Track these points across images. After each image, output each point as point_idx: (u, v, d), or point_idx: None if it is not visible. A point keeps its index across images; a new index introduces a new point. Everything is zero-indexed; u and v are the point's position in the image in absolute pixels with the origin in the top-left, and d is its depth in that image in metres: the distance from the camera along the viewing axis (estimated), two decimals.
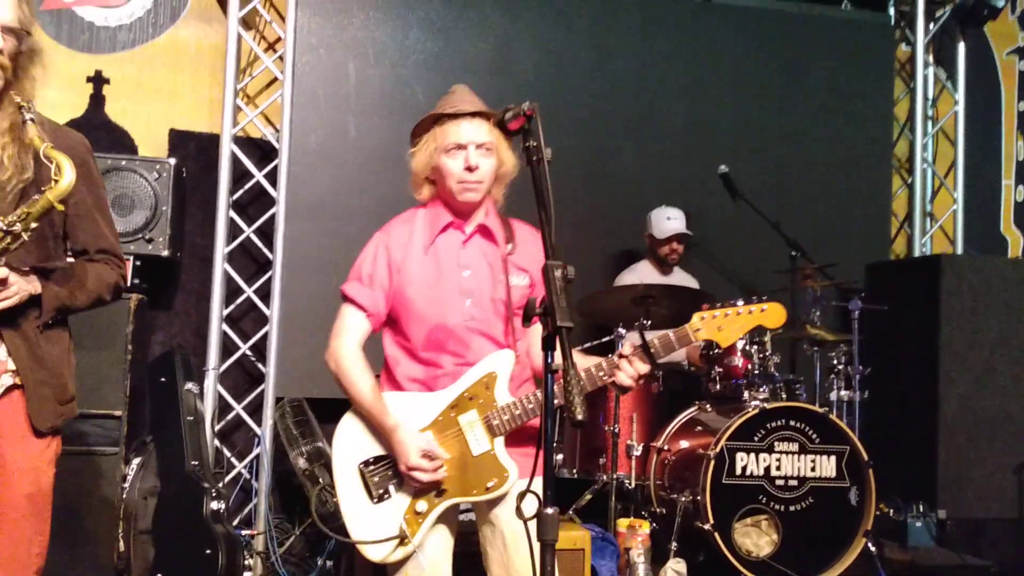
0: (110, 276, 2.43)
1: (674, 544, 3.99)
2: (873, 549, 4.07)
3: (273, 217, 4.92)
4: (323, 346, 4.84)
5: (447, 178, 2.56)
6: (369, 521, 2.53)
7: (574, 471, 4.45)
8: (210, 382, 4.76)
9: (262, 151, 5.10)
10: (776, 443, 4.03)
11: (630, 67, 5.49)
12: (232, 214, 4.93)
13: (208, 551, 3.83)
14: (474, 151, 2.53)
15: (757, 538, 3.96)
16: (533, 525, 1.88)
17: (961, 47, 6.15)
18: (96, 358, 3.87)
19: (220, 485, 4.26)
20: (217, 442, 4.78)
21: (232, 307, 4.93)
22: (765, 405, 4.05)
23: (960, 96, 6.15)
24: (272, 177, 4.96)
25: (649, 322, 4.45)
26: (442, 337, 2.56)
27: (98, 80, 5.00)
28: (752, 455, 4.00)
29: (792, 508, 4.00)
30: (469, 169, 2.52)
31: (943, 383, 4.77)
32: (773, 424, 4.04)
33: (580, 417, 1.77)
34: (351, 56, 5.10)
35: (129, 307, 3.95)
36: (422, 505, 2.53)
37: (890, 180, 5.98)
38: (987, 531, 4.90)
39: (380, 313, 2.62)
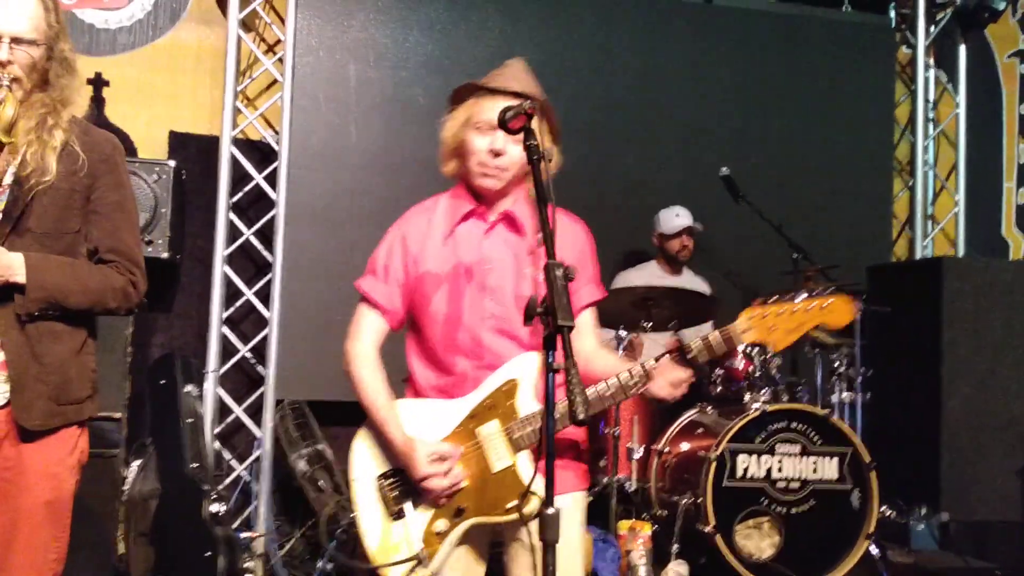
0: (116, 280, 2.30)
1: (675, 546, 3.97)
2: (876, 552, 4.05)
3: (273, 219, 4.91)
4: (323, 348, 4.86)
5: (469, 156, 2.33)
6: (386, 539, 2.31)
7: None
8: (210, 384, 4.75)
9: (262, 153, 5.09)
10: (778, 445, 4.02)
11: (632, 70, 5.49)
12: (232, 216, 4.92)
13: (208, 553, 3.82)
14: (503, 136, 2.27)
15: (759, 541, 3.95)
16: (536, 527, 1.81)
17: (962, 50, 6.15)
18: (96, 360, 3.85)
19: (220, 487, 4.26)
20: (217, 444, 4.77)
21: (232, 309, 4.92)
22: (767, 407, 4.03)
23: (961, 99, 6.14)
24: (272, 179, 4.96)
25: (650, 324, 4.44)
26: (460, 338, 2.32)
27: (98, 82, 5.00)
28: (754, 457, 3.99)
29: (794, 511, 3.99)
30: (494, 153, 2.28)
31: (945, 385, 4.76)
32: (775, 426, 4.02)
33: (582, 416, 1.72)
34: (351, 58, 5.10)
35: None
36: (441, 524, 2.28)
37: (891, 182, 5.98)
38: (991, 534, 4.89)
39: (397, 310, 2.40)
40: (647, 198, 5.27)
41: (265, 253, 4.96)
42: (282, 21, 5.05)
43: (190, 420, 4.23)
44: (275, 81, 5.10)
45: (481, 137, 2.30)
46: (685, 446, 4.27)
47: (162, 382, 4.28)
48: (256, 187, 4.99)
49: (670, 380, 2.25)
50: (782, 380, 4.39)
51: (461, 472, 2.27)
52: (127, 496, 3.90)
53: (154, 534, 3.90)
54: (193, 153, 5.06)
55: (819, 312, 2.26)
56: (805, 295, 2.26)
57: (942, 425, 4.74)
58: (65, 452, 2.29)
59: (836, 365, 4.71)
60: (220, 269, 4.83)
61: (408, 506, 2.31)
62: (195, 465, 4.09)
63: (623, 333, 4.47)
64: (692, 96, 5.56)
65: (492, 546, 2.39)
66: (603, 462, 4.34)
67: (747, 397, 4.25)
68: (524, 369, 2.28)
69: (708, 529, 3.85)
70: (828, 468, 4.02)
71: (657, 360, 2.26)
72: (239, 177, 4.97)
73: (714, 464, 3.90)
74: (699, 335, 2.29)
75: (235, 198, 4.96)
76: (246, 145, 5.07)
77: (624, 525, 4.01)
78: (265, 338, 4.87)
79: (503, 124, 2.09)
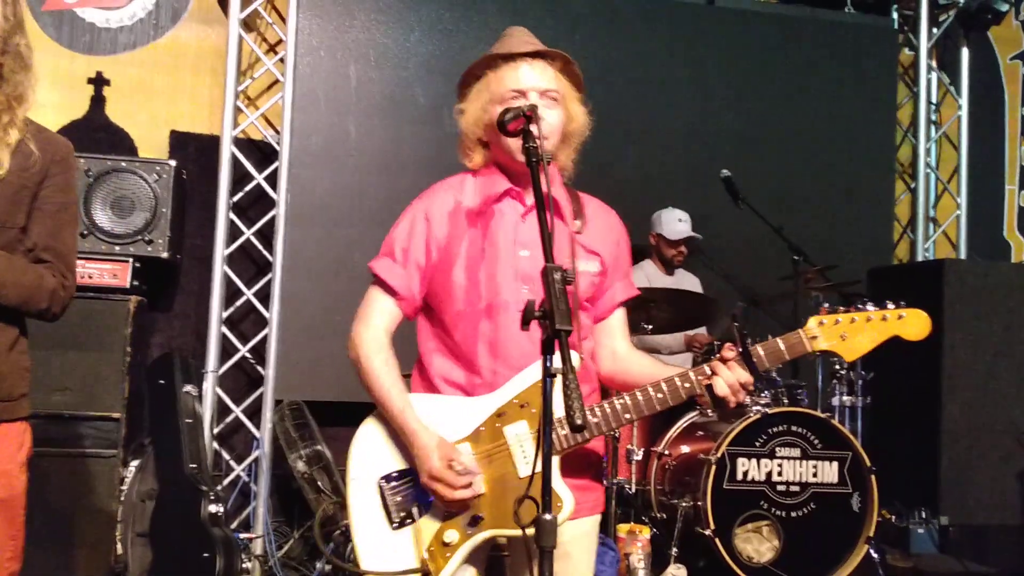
0: (49, 281, 2.25)
1: (674, 550, 3.96)
2: (875, 556, 4.04)
3: (273, 219, 4.91)
4: (323, 349, 4.86)
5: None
6: (386, 550, 2.06)
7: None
8: (209, 384, 4.74)
9: (262, 153, 5.09)
10: (778, 448, 4.00)
11: (632, 70, 5.47)
12: (232, 216, 4.91)
13: (206, 554, 3.81)
14: (536, 99, 2.12)
15: (758, 544, 3.94)
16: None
17: (965, 52, 6.13)
18: (95, 360, 3.86)
19: (218, 488, 4.25)
20: (216, 445, 4.77)
21: (232, 309, 4.91)
22: (767, 410, 4.02)
23: (964, 101, 6.13)
24: (272, 179, 4.95)
25: (651, 327, 4.43)
26: (489, 330, 2.10)
27: (99, 81, 5.00)
28: (753, 460, 3.98)
29: (794, 514, 3.97)
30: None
31: (946, 388, 4.75)
32: (775, 429, 4.01)
33: (579, 422, 1.63)
34: (352, 58, 5.09)
35: (128, 309, 3.94)
36: (451, 535, 2.03)
37: (893, 185, 5.97)
38: (990, 538, 4.88)
39: (414, 297, 2.18)
40: (647, 200, 5.25)
41: (265, 253, 4.95)
42: (283, 21, 5.05)
43: (189, 420, 4.22)
44: (276, 81, 5.10)
45: None
46: (685, 449, 4.26)
47: (161, 382, 4.27)
48: (256, 187, 4.98)
49: (740, 380, 2.03)
50: (782, 383, 4.38)
51: (473, 491, 2.03)
52: (125, 496, 3.90)
53: (152, 535, 3.89)
54: (193, 152, 5.06)
55: (896, 323, 2.12)
56: (872, 304, 2.13)
57: (942, 429, 4.72)
58: (13, 449, 2.25)
59: (836, 368, 4.70)
60: (220, 269, 4.83)
61: (416, 510, 2.08)
62: (194, 466, 4.08)
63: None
64: (693, 97, 5.55)
65: (492, 549, 2.16)
66: (603, 464, 4.32)
67: (747, 400, 4.24)
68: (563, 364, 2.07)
69: (708, 532, 3.84)
70: (828, 471, 4.01)
71: (721, 360, 2.05)
72: (239, 177, 4.97)
73: (714, 467, 3.88)
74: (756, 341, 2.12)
75: (235, 198, 4.95)
76: (247, 145, 5.06)
77: (623, 528, 4.00)
78: (265, 338, 4.87)
79: (502, 127, 1.99)
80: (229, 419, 4.86)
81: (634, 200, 5.31)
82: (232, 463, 4.87)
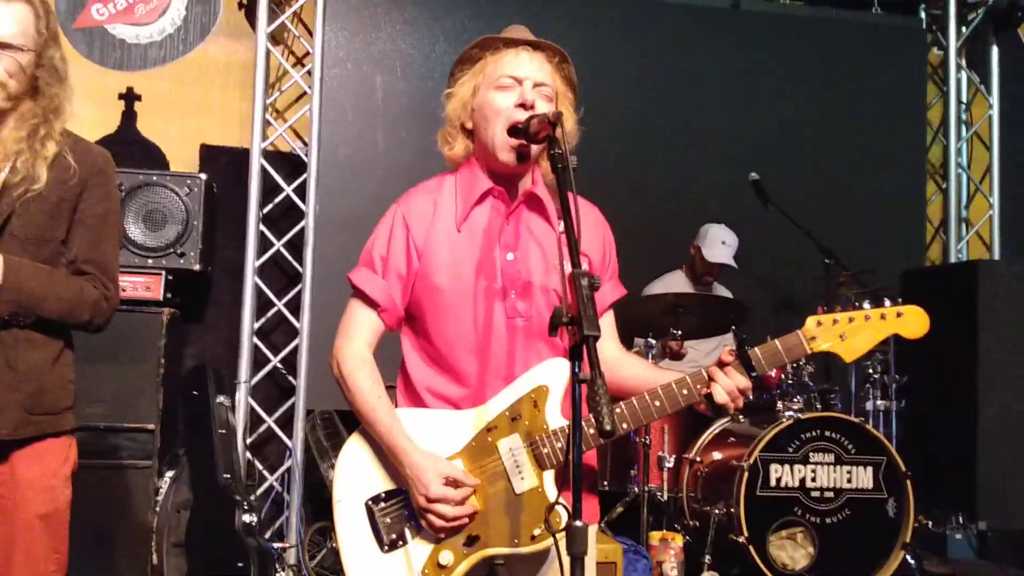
0: (90, 293, 2.25)
1: (708, 557, 3.94)
2: (912, 562, 3.99)
3: (303, 230, 4.94)
4: None
5: (492, 118, 2.02)
6: (377, 575, 1.98)
7: (605, 483, 4.41)
8: (241, 395, 4.78)
9: (291, 165, 5.13)
10: (811, 454, 3.97)
11: (663, 76, 5.48)
12: (262, 228, 4.96)
13: (240, 564, 3.83)
14: (531, 89, 2.01)
15: (793, 551, 3.90)
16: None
17: (994, 50, 6.06)
18: (130, 372, 3.89)
19: (252, 498, 4.27)
20: (249, 455, 4.80)
21: (263, 320, 4.96)
22: (799, 415, 4.00)
23: (994, 100, 6.06)
24: (302, 191, 4.99)
25: (680, 332, 4.41)
26: (477, 339, 2.02)
27: (129, 97, 5.07)
28: (787, 466, 3.95)
29: (828, 520, 3.94)
30: (524, 107, 1.99)
31: (982, 391, 4.68)
32: (808, 435, 3.98)
33: (608, 428, 1.57)
34: (379, 69, 5.13)
35: (162, 321, 3.98)
36: (447, 556, 1.95)
37: (924, 186, 5.91)
38: None
39: (396, 307, 2.09)
40: (676, 205, 5.26)
41: (295, 264, 4.99)
42: (310, 34, 5.10)
43: (222, 431, 4.25)
44: (304, 93, 5.15)
45: (504, 94, 2.02)
46: (717, 455, 4.23)
47: (194, 393, 4.31)
48: (286, 198, 5.03)
49: (739, 386, 1.97)
50: (815, 387, 4.34)
51: (472, 508, 1.96)
52: (160, 507, 3.93)
53: (187, 544, 3.92)
54: (224, 165, 5.11)
55: (895, 321, 2.06)
56: (869, 303, 2.08)
57: (978, 432, 4.65)
58: (58, 463, 2.26)
59: (870, 372, 4.65)
60: (251, 280, 4.87)
61: (408, 532, 1.99)
62: (227, 476, 4.11)
63: (652, 341, 4.44)
64: (720, 102, 5.54)
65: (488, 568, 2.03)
66: (634, 471, 4.31)
67: (779, 405, 4.20)
68: (556, 376, 1.98)
69: (741, 540, 3.81)
70: (863, 477, 3.97)
71: (719, 365, 1.99)
72: (269, 189, 5.01)
73: (747, 473, 3.86)
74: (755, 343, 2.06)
75: (265, 209, 4.99)
76: (276, 157, 5.11)
77: (656, 536, 3.98)
78: (296, 348, 4.90)
79: (526, 134, 1.93)
80: (262, 429, 4.89)
81: (666, 203, 5.32)
82: (265, 473, 4.90)
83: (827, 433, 3.99)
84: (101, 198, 2.31)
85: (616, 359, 2.17)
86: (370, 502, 2.02)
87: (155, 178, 4.39)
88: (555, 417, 1.98)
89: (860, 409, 4.64)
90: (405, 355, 2.13)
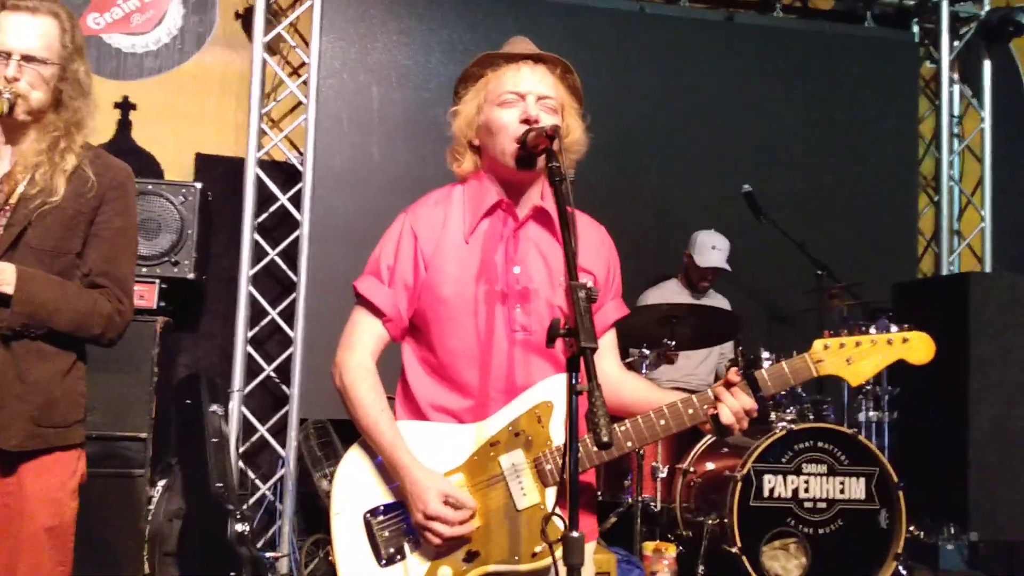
0: (104, 306, 2.24)
1: (701, 568, 3.95)
2: (904, 573, 4.00)
3: (297, 240, 4.95)
4: None
5: (497, 135, 2.02)
6: None
7: (599, 493, 4.42)
8: (235, 404, 4.78)
9: (286, 174, 5.14)
10: (804, 465, 3.98)
11: (654, 87, 5.50)
12: (257, 237, 4.96)
13: (232, 573, 3.83)
14: (534, 103, 2.02)
15: (785, 561, 3.91)
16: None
17: (987, 64, 6.11)
18: (123, 380, 3.89)
19: (244, 507, 4.27)
20: (242, 464, 4.80)
21: (257, 329, 4.96)
22: (793, 426, 4.01)
23: (986, 113, 6.10)
24: (296, 200, 5.00)
25: (674, 343, 4.42)
26: (481, 353, 2.00)
27: (125, 106, 5.08)
28: (780, 477, 3.96)
29: (821, 531, 3.95)
30: (528, 122, 1.98)
31: (973, 403, 4.70)
32: (801, 445, 3.99)
33: (605, 439, 1.55)
34: (374, 80, 5.14)
35: (155, 329, 3.98)
36: (445, 572, 1.94)
37: (916, 198, 5.94)
38: (1020, 554, 4.82)
39: (401, 318, 2.07)
40: (669, 216, 5.28)
41: (289, 273, 4.99)
42: (306, 44, 5.11)
43: (215, 440, 4.25)
44: (299, 103, 5.16)
45: (507, 110, 2.02)
46: (710, 466, 4.24)
47: (187, 402, 4.31)
48: (281, 208, 5.03)
49: (744, 407, 1.95)
50: (808, 398, 4.36)
51: (471, 527, 1.94)
52: (153, 516, 3.92)
53: (180, 554, 3.92)
54: (219, 175, 5.11)
55: (901, 347, 2.04)
56: (875, 328, 2.06)
57: (970, 443, 4.68)
58: (66, 476, 2.25)
59: (862, 383, 4.66)
60: (245, 289, 4.87)
61: (407, 546, 1.97)
62: (220, 485, 4.11)
63: (646, 351, 4.45)
64: (715, 113, 5.56)
65: None
66: (627, 482, 4.31)
67: (773, 416, 4.22)
68: (561, 392, 1.92)
69: (734, 550, 3.82)
70: (855, 488, 3.99)
71: (726, 385, 1.97)
72: (264, 198, 5.02)
73: (740, 484, 3.87)
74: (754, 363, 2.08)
75: (260, 219, 5.00)
76: (271, 166, 5.11)
77: (649, 546, 3.99)
78: (289, 357, 4.90)
79: (523, 146, 1.95)
80: (255, 438, 4.89)
81: (657, 215, 5.34)
82: (258, 482, 4.90)
83: (820, 444, 4.00)
84: (119, 212, 2.31)
85: (616, 378, 2.17)
86: (368, 515, 2.00)
87: (150, 187, 4.40)
88: (559, 433, 1.95)
89: (853, 420, 4.65)
90: (406, 366, 2.11)
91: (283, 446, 4.85)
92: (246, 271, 4.88)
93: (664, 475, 4.31)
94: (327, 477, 4.65)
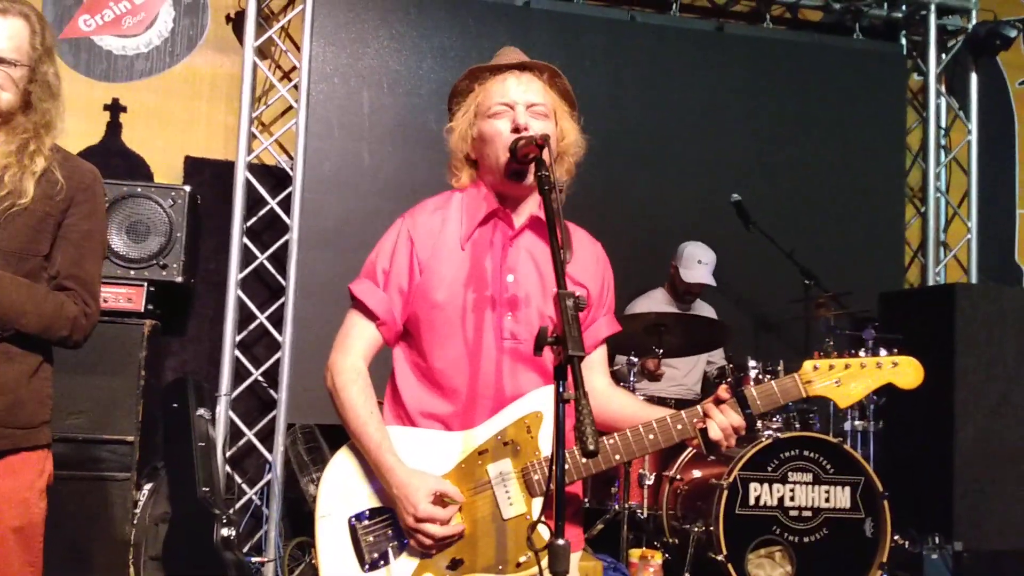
0: (71, 309, 2.24)
1: (687, 575, 3.95)
2: None
3: (287, 244, 4.95)
4: None
5: (491, 146, 2.05)
6: None
7: (585, 501, 4.42)
8: (222, 408, 4.77)
9: (276, 179, 5.14)
10: (790, 473, 4.00)
11: (643, 97, 5.52)
12: (246, 241, 4.96)
13: None
14: (524, 112, 2.03)
15: (771, 569, 3.92)
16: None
17: (974, 77, 6.16)
18: (110, 383, 3.88)
19: (231, 512, 4.25)
20: (228, 468, 4.78)
21: (245, 333, 4.94)
22: (779, 435, 4.02)
23: (973, 125, 6.14)
24: (286, 204, 5.00)
25: (661, 351, 4.44)
26: (472, 360, 2.00)
27: (115, 108, 5.07)
28: (766, 485, 3.97)
29: (806, 539, 3.96)
30: (518, 131, 2.00)
31: (959, 413, 4.72)
32: (787, 454, 4.01)
33: (592, 448, 1.55)
34: (365, 85, 5.15)
35: (143, 333, 3.97)
36: None
37: (903, 209, 5.98)
38: (1004, 564, 4.84)
39: (395, 322, 2.08)
40: (658, 226, 5.29)
41: (278, 277, 4.99)
42: (297, 48, 5.11)
43: (202, 444, 4.24)
44: (290, 107, 5.16)
45: (498, 121, 2.05)
46: (697, 473, 4.25)
47: (174, 406, 4.30)
48: (270, 212, 5.03)
49: (733, 424, 1.96)
50: (794, 407, 4.38)
51: (460, 527, 1.94)
52: (138, 520, 3.91)
53: (165, 558, 3.90)
54: (208, 178, 5.11)
55: (890, 371, 2.08)
56: (864, 352, 2.11)
57: (955, 453, 4.70)
58: (34, 476, 2.24)
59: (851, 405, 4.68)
60: (233, 293, 4.87)
61: (391, 551, 1.95)
62: (206, 489, 4.10)
63: (634, 359, 4.47)
64: (703, 123, 5.58)
65: None
66: (614, 489, 4.32)
67: (759, 424, 4.23)
68: (551, 402, 1.89)
69: (720, 558, 3.83)
70: (841, 497, 4.01)
71: (715, 402, 1.99)
72: (253, 202, 5.01)
73: (726, 492, 3.88)
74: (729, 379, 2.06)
75: (249, 223, 5.00)
76: (261, 170, 5.11)
77: (635, 553, 3.99)
78: (277, 362, 4.89)
79: (513, 154, 1.97)
80: (242, 443, 4.88)
81: (646, 225, 5.35)
82: (244, 487, 4.88)
83: (806, 453, 4.02)
84: (87, 215, 2.31)
85: (604, 392, 2.18)
86: (354, 519, 1.99)
87: (139, 190, 4.39)
88: (548, 444, 1.95)
89: (838, 429, 4.68)
90: (396, 370, 2.11)
91: (270, 451, 4.84)
92: (235, 275, 4.87)
93: (651, 482, 4.32)
94: (314, 482, 4.63)
